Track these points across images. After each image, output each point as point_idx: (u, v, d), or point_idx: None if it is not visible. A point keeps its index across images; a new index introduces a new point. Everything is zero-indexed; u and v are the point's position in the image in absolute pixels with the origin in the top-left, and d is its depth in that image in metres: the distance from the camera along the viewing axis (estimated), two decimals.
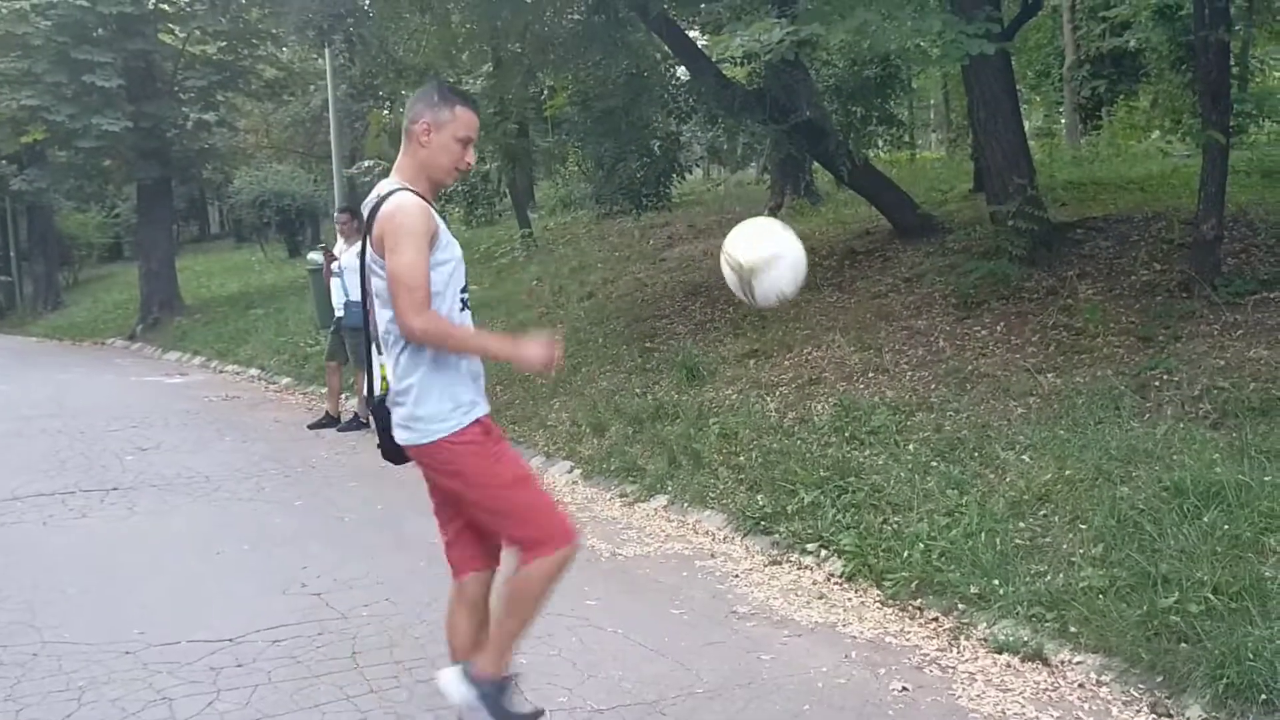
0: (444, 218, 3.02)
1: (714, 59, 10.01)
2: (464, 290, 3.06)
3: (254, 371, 13.07)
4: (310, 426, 9.14)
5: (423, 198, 2.95)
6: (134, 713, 3.60)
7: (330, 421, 9.16)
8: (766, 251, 3.36)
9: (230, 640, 4.22)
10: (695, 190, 17.27)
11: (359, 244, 9.04)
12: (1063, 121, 17.67)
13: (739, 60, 9.90)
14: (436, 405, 2.94)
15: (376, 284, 2.97)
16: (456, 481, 3.01)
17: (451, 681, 3.05)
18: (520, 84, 12.44)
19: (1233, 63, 7.34)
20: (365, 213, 3.04)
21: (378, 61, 14.26)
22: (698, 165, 19.92)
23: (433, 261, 2.89)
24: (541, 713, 3.26)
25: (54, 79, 16.11)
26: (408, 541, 5.57)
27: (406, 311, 2.83)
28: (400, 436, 3.02)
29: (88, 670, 3.94)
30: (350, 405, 9.36)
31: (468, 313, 3.06)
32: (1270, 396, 5.19)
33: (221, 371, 13.81)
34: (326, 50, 14.81)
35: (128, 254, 32.00)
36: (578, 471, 7.06)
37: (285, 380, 12.08)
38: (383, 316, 2.99)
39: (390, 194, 2.94)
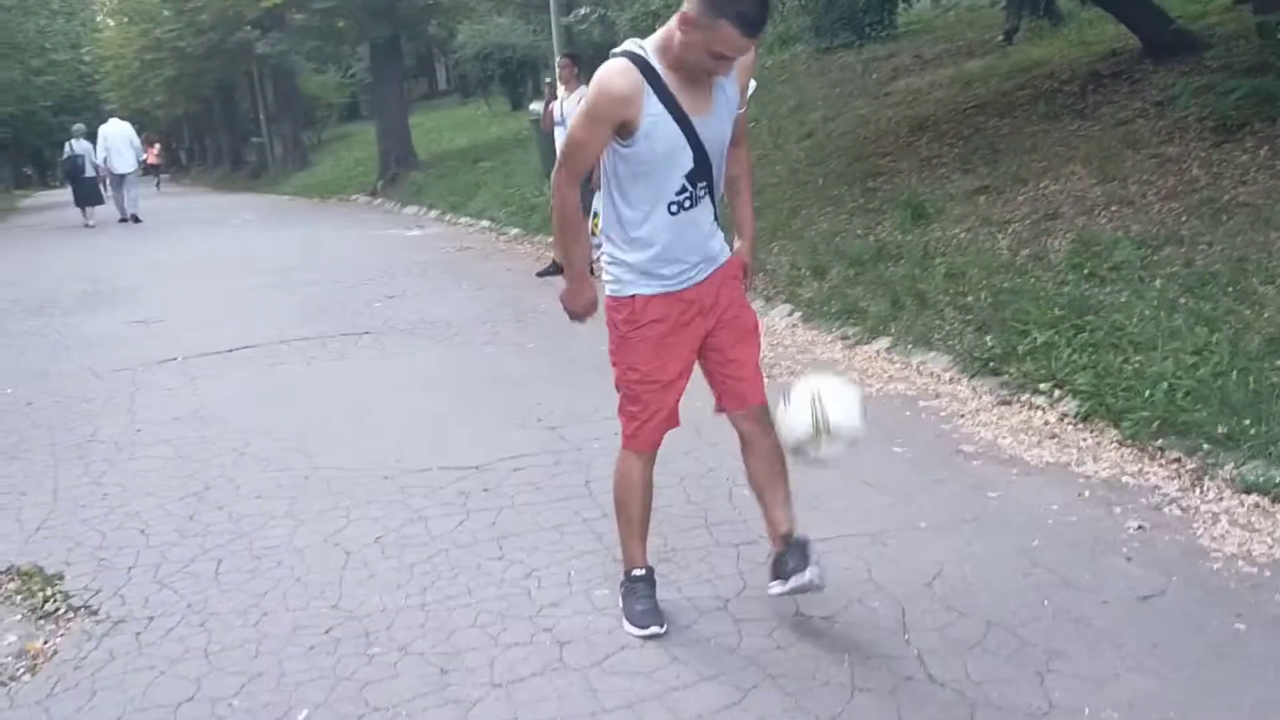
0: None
1: None
2: (682, 192, 2.80)
3: (485, 223, 13.61)
4: (539, 274, 9.49)
5: (659, 62, 2.69)
6: (394, 529, 3.98)
7: (557, 269, 9.45)
8: (854, 430, 2.96)
9: (476, 468, 4.55)
10: (923, 18, 16.29)
11: (581, 91, 9.19)
12: None
13: None
14: (610, 265, 2.98)
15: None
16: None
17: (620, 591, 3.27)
18: None
19: None
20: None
21: None
22: None
23: (626, 148, 2.75)
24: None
25: None
26: None
27: (560, 168, 2.88)
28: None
29: (353, 492, 4.37)
30: None
31: (684, 214, 2.84)
32: None
33: (455, 224, 14.46)
34: None
35: (364, 113, 33.59)
36: (798, 314, 7.04)
37: (514, 231, 12.52)
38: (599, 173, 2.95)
39: (614, 54, 2.77)
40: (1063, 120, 8.12)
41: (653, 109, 2.69)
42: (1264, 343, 4.56)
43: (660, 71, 2.70)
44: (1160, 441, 4.27)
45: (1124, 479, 4.08)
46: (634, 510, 3.16)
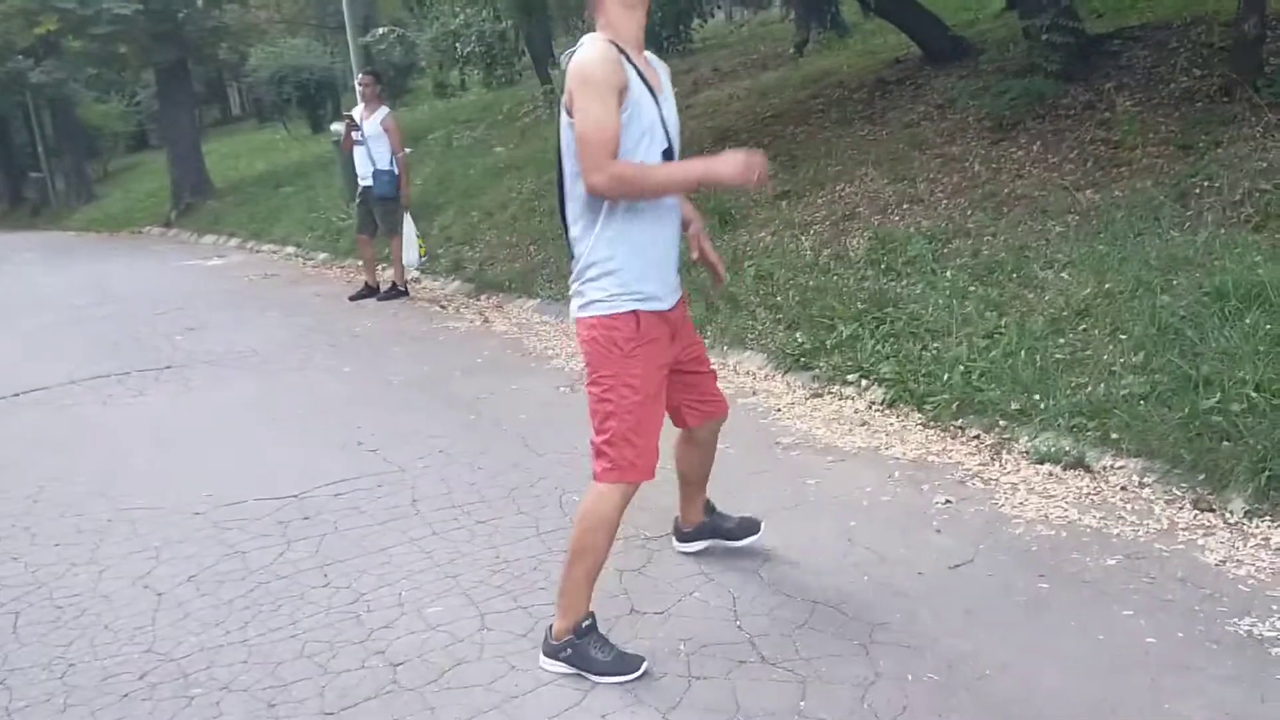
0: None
1: None
2: (667, 154, 2.77)
3: (290, 249, 13.16)
4: (351, 298, 9.24)
5: (617, 47, 2.70)
6: (209, 565, 3.79)
7: (370, 292, 9.25)
8: None
9: (295, 496, 4.39)
10: (718, 32, 16.78)
11: (382, 110, 9.00)
12: None
13: None
14: (598, 286, 2.79)
15: (565, 141, 2.76)
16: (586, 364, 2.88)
17: (547, 663, 2.94)
18: None
19: None
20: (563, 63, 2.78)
21: None
22: (719, 7, 19.33)
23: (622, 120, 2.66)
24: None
25: None
26: (456, 399, 5.72)
27: (589, 169, 2.62)
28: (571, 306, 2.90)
29: (162, 531, 4.14)
30: (388, 275, 9.44)
31: (668, 208, 2.86)
32: None
33: (258, 252, 13.92)
34: None
35: (154, 142, 31.99)
36: None
37: (322, 256, 12.16)
38: (570, 182, 2.78)
39: (579, 45, 2.72)
40: (854, 126, 8.52)
41: (631, 74, 2.70)
42: (1047, 323, 4.91)
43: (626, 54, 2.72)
44: (960, 421, 4.54)
45: (930, 458, 4.31)
46: (602, 555, 2.89)
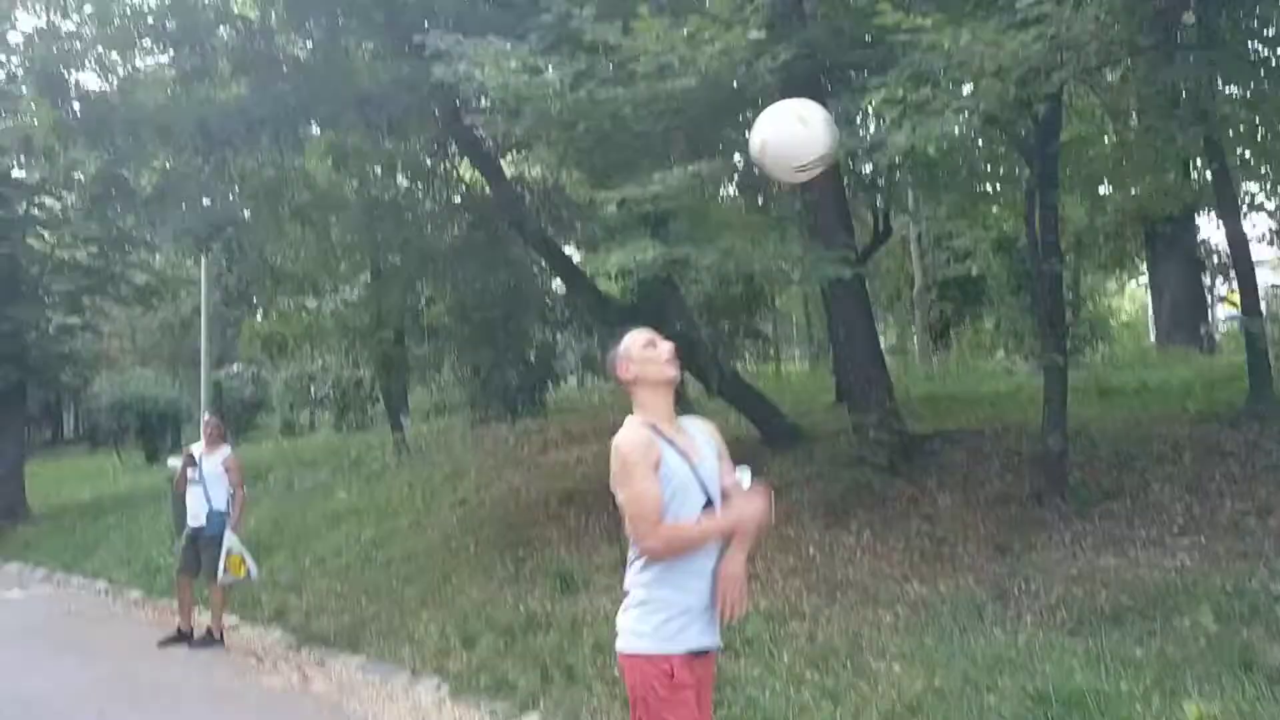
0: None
1: (590, 275, 10.43)
2: (708, 504, 3.16)
3: (102, 584, 12.32)
4: (161, 643, 8.60)
5: (654, 427, 3.19)
6: None
7: (182, 637, 8.63)
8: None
9: None
10: (570, 398, 17.52)
11: (224, 449, 8.89)
12: (915, 340, 18.77)
13: (614, 276, 10.34)
14: (637, 621, 3.15)
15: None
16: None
17: None
18: (399, 294, 12.65)
19: (1066, 290, 8.03)
20: None
21: (255, 269, 14.32)
22: (572, 373, 20.30)
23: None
24: None
25: None
26: None
27: (643, 537, 3.08)
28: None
29: None
30: (204, 620, 8.86)
31: (704, 557, 3.16)
32: (1120, 604, 5.45)
33: (66, 585, 12.98)
34: (203, 257, 14.81)
35: None
36: (445, 689, 6.78)
37: (135, 593, 11.40)
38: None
39: (625, 425, 3.21)
40: None
41: (664, 447, 3.15)
42: (880, 717, 4.93)
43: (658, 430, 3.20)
44: None
45: None
46: None
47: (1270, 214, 11.76)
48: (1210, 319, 15.42)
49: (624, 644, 3.20)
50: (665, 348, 3.31)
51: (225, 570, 8.42)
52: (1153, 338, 16.11)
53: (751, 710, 5.26)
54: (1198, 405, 8.78)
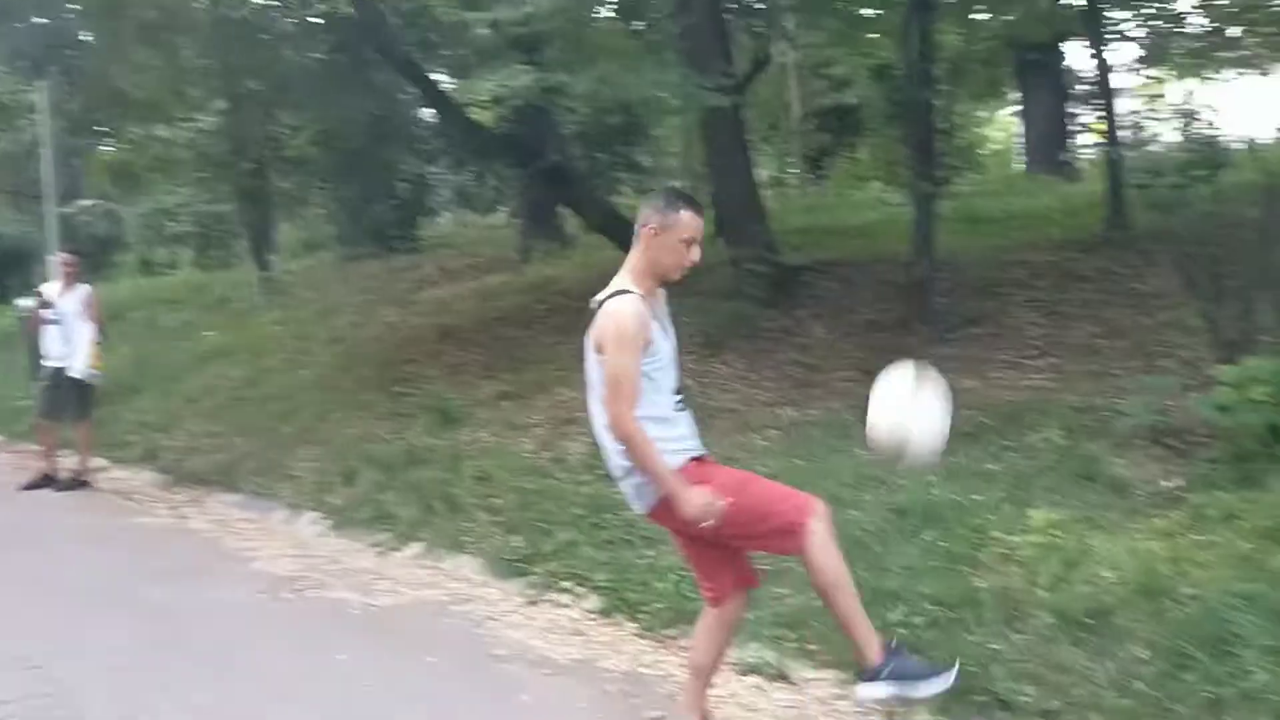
0: None
1: (461, 102, 10.04)
2: (677, 390, 3.33)
3: None
4: (23, 487, 8.35)
5: (644, 295, 3.25)
6: None
7: (47, 481, 8.40)
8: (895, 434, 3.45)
9: None
10: (445, 234, 17.15)
11: (82, 290, 8.46)
12: (792, 171, 18.82)
13: (486, 104, 9.99)
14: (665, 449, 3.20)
15: (592, 375, 3.28)
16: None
17: (868, 691, 3.24)
18: (258, 123, 12.00)
19: (939, 120, 8.10)
20: (593, 306, 3.31)
21: (99, 96, 13.32)
22: (447, 209, 19.82)
23: (647, 364, 3.19)
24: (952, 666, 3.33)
25: None
26: (141, 607, 5.21)
27: (613, 402, 3.15)
28: (636, 509, 3.35)
29: None
30: (69, 464, 8.61)
31: (686, 413, 3.36)
32: (979, 423, 5.71)
33: None
34: (42, 82, 13.73)
35: None
36: (327, 522, 6.81)
37: None
38: (595, 405, 3.28)
39: (613, 295, 3.25)
40: (574, 334, 8.73)
41: (655, 328, 3.26)
42: None
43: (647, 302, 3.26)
44: (673, 630, 4.60)
45: (641, 670, 4.32)
46: (847, 577, 3.25)
47: (1137, 42, 11.96)
48: (1072, 147, 15.81)
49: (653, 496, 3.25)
50: (696, 256, 3.34)
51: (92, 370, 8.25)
52: (1025, 166, 16.50)
53: (629, 531, 5.41)
54: (1059, 233, 9.08)
